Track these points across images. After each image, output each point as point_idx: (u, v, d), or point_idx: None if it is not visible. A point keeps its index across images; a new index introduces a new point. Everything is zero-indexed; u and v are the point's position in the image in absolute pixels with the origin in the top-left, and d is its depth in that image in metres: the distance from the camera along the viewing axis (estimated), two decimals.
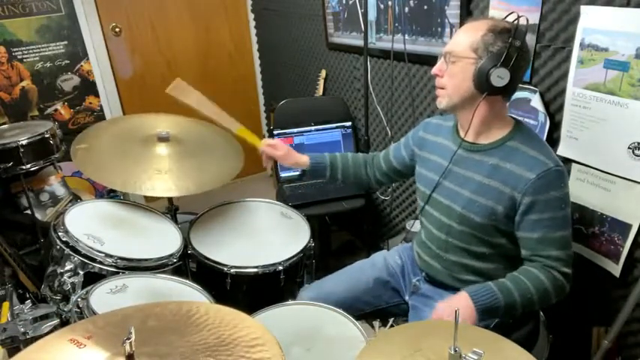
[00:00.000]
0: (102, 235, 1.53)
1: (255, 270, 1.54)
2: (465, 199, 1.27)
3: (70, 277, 1.41)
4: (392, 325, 1.68)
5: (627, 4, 1.26)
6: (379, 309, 1.51)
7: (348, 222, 2.83)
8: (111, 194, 3.06)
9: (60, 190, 2.47)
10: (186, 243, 1.64)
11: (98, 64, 3.01)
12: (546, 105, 1.54)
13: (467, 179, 1.28)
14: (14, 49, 2.74)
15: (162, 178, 1.63)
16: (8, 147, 2.07)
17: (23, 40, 2.75)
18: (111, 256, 1.46)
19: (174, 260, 1.57)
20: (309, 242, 1.67)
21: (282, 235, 1.73)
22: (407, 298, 1.49)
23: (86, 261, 1.44)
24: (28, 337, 1.27)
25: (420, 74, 2.09)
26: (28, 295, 1.86)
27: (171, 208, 1.90)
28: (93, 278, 1.41)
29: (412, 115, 2.19)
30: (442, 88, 1.26)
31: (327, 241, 2.67)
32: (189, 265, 1.64)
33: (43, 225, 2.24)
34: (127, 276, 1.43)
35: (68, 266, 1.42)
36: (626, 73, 1.27)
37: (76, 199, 2.45)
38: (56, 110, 2.96)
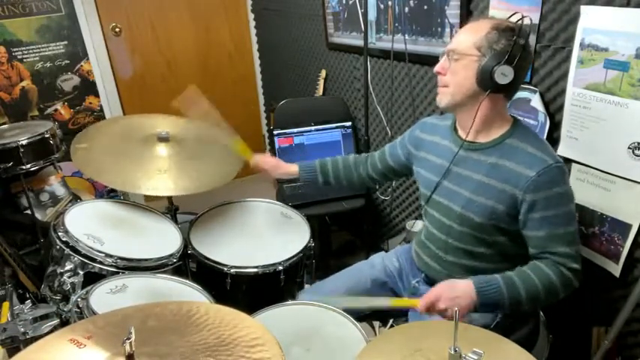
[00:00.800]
0: (102, 235, 1.53)
1: (255, 270, 1.53)
2: (465, 198, 1.26)
3: (70, 277, 1.41)
4: (392, 325, 1.68)
5: (627, 4, 1.26)
6: (378, 310, 1.50)
7: (348, 222, 2.83)
8: (111, 194, 3.06)
9: (60, 190, 2.47)
10: (186, 243, 1.64)
11: (98, 64, 3.01)
12: (546, 105, 1.54)
13: (466, 179, 1.27)
14: (14, 49, 2.75)
15: (162, 178, 1.63)
16: (8, 147, 2.07)
17: (23, 40, 2.75)
18: (111, 256, 1.46)
19: (174, 260, 1.57)
20: (309, 242, 1.67)
21: (282, 235, 1.73)
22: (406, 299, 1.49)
23: (86, 261, 1.43)
24: (28, 337, 1.27)
25: (420, 74, 2.09)
26: (28, 295, 1.86)
27: (171, 208, 1.90)
28: (93, 278, 1.41)
29: (412, 115, 2.19)
30: (445, 86, 1.25)
31: (327, 241, 2.67)
32: (189, 265, 1.64)
33: (43, 225, 2.24)
34: (127, 276, 1.42)
35: (68, 266, 1.42)
36: (626, 73, 1.27)
37: (76, 199, 2.45)
38: (56, 110, 2.96)
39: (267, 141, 3.75)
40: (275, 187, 2.71)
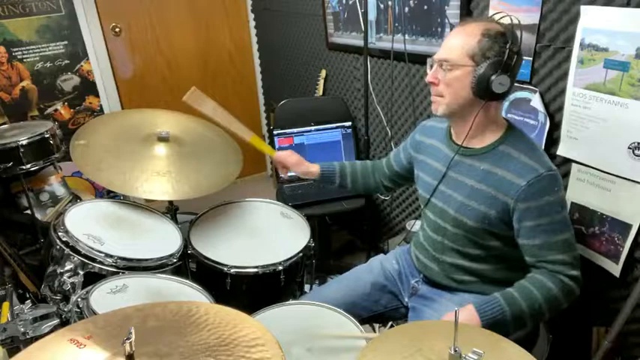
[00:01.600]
0: (102, 235, 1.53)
1: (255, 270, 1.53)
2: (458, 202, 1.27)
3: (70, 277, 1.41)
4: (392, 325, 1.68)
5: (627, 4, 1.25)
6: (377, 314, 1.51)
7: (348, 222, 2.83)
8: (111, 194, 3.05)
9: (60, 190, 2.47)
10: (186, 243, 1.64)
11: (98, 64, 3.01)
12: (546, 105, 1.54)
13: (459, 183, 1.28)
14: (14, 49, 2.75)
15: (161, 181, 1.63)
16: (8, 147, 2.07)
17: (23, 40, 2.75)
18: (111, 256, 1.46)
19: (174, 260, 1.57)
20: (309, 242, 1.67)
21: (282, 235, 1.73)
22: (406, 300, 1.49)
23: (86, 261, 1.43)
24: (28, 337, 1.27)
25: (420, 74, 2.09)
26: (28, 295, 1.86)
27: (171, 208, 1.90)
28: (93, 278, 1.41)
29: (412, 115, 2.19)
30: (440, 96, 1.23)
31: (327, 241, 2.67)
32: (189, 265, 1.64)
33: (43, 225, 2.24)
34: (127, 276, 1.42)
35: (68, 266, 1.42)
36: (626, 73, 1.27)
37: (76, 199, 2.46)
38: (56, 110, 2.96)
39: (267, 141, 3.75)
40: (275, 187, 2.71)
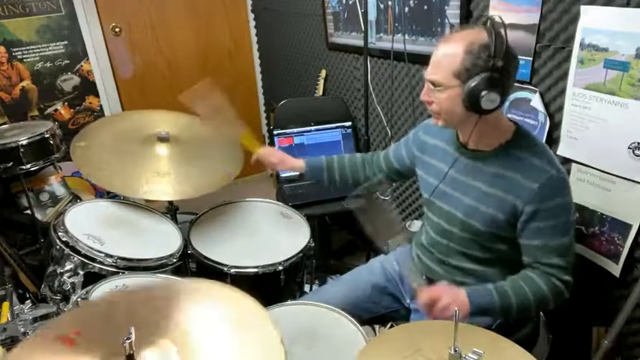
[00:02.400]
0: (102, 235, 1.53)
1: (255, 270, 1.53)
2: (466, 206, 1.26)
3: (70, 277, 1.41)
4: (392, 325, 1.68)
5: (627, 4, 1.25)
6: (378, 316, 1.50)
7: (348, 222, 2.83)
8: (111, 194, 3.05)
9: (60, 190, 2.47)
10: (186, 243, 1.64)
11: (98, 64, 3.01)
12: (546, 105, 1.54)
13: (468, 186, 1.26)
14: (14, 49, 2.74)
15: (161, 182, 1.62)
16: (8, 147, 2.07)
17: (23, 40, 2.75)
18: (111, 256, 1.46)
19: (174, 260, 1.57)
20: (309, 242, 1.67)
21: (282, 235, 1.73)
22: (408, 301, 1.49)
23: (86, 261, 1.44)
24: (28, 337, 1.27)
25: (420, 74, 2.09)
26: (28, 295, 1.86)
27: (171, 208, 1.90)
28: (93, 278, 1.41)
29: (412, 115, 2.19)
30: (436, 113, 1.23)
31: (327, 241, 2.67)
32: (189, 265, 1.64)
33: (43, 225, 2.24)
34: (127, 276, 1.42)
35: (68, 266, 1.42)
36: (626, 73, 1.27)
37: (76, 199, 2.46)
38: (56, 110, 2.96)
39: (267, 141, 3.75)
40: (275, 187, 2.71)
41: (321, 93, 2.80)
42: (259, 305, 0.94)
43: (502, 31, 1.09)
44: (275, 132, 2.49)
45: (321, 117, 2.53)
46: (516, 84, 1.59)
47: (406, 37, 2.06)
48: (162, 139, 1.75)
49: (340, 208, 2.33)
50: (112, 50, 3.08)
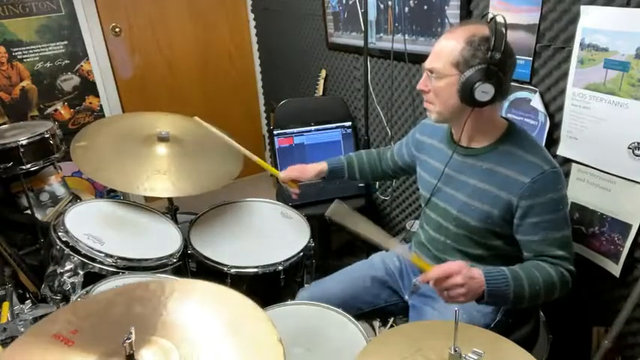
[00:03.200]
0: (102, 235, 1.53)
1: (255, 270, 1.54)
2: (461, 202, 1.27)
3: (70, 277, 1.41)
4: (392, 325, 1.68)
5: (627, 4, 1.25)
6: (378, 308, 1.51)
7: None
8: (111, 194, 3.06)
9: (60, 190, 2.47)
10: (186, 243, 1.64)
11: (98, 64, 3.01)
12: (546, 105, 1.54)
13: (462, 183, 1.28)
14: (14, 49, 2.75)
15: (162, 179, 1.63)
16: (8, 147, 2.07)
17: (23, 40, 2.75)
18: (111, 256, 1.46)
19: (174, 260, 1.57)
20: (309, 242, 1.67)
21: (282, 235, 1.73)
22: (406, 297, 1.49)
23: (86, 261, 1.44)
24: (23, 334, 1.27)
25: (420, 74, 2.08)
26: (28, 295, 1.86)
27: (171, 208, 1.90)
28: (93, 278, 1.41)
29: (412, 115, 2.19)
30: (431, 104, 1.25)
31: (327, 241, 2.67)
32: (189, 265, 1.64)
33: (43, 225, 2.24)
34: (127, 276, 1.42)
35: (68, 266, 1.42)
36: (626, 73, 1.27)
37: (76, 199, 2.45)
38: (56, 110, 2.96)
39: (267, 141, 3.75)
40: (275, 187, 2.71)
41: (321, 93, 2.80)
42: (257, 305, 0.94)
43: (503, 28, 1.11)
44: (275, 132, 2.49)
45: (321, 117, 2.53)
46: (516, 84, 1.59)
47: (406, 37, 2.06)
48: (163, 139, 1.75)
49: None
50: (112, 50, 3.08)
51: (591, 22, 1.33)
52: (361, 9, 2.24)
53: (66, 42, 2.87)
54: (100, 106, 3.09)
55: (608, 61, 1.31)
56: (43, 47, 2.81)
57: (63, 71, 2.91)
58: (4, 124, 2.62)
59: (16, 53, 2.76)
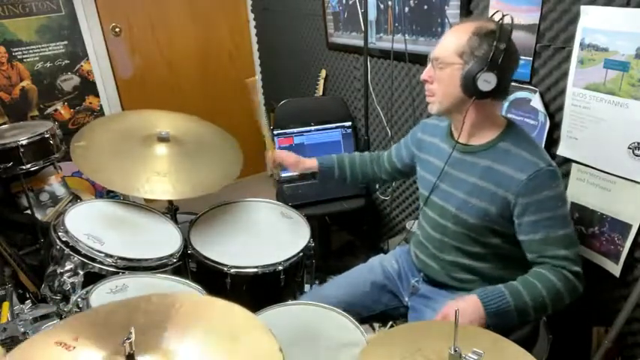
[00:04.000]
0: (102, 235, 1.53)
1: (255, 270, 1.53)
2: (459, 200, 1.28)
3: (70, 277, 1.41)
4: (392, 326, 1.68)
5: (627, 4, 1.25)
6: (378, 313, 1.51)
7: (348, 222, 2.83)
8: (111, 194, 3.05)
9: (60, 190, 2.47)
10: (186, 243, 1.63)
11: (98, 64, 3.01)
12: (546, 105, 1.54)
13: (460, 181, 1.28)
14: (14, 49, 2.74)
15: (161, 181, 1.62)
16: (8, 147, 2.07)
17: (23, 40, 2.75)
18: (111, 256, 1.46)
19: (174, 260, 1.57)
20: (309, 242, 1.67)
21: (282, 235, 1.73)
22: (406, 299, 1.49)
23: (86, 261, 1.43)
24: (28, 337, 1.27)
25: (420, 74, 2.08)
26: (28, 295, 1.86)
27: (171, 208, 1.90)
28: (93, 278, 1.41)
29: (412, 115, 2.19)
30: (432, 95, 1.26)
31: (327, 241, 2.67)
32: (189, 265, 1.64)
33: (43, 225, 2.24)
34: (127, 276, 1.42)
35: (68, 266, 1.42)
36: (626, 73, 1.27)
37: (76, 199, 2.45)
38: (56, 110, 2.96)
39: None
40: (275, 187, 2.71)
41: (321, 93, 2.80)
42: (255, 317, 0.94)
43: (509, 27, 1.15)
44: (275, 132, 2.49)
45: (321, 117, 2.53)
46: (516, 84, 1.59)
47: (406, 37, 2.06)
48: (163, 139, 1.75)
49: (340, 208, 2.33)
50: (112, 50, 3.08)
51: (591, 22, 1.33)
52: (361, 9, 2.24)
53: (66, 42, 2.87)
54: (100, 106, 3.09)
55: (608, 61, 1.31)
56: (43, 47, 2.81)
57: (63, 71, 2.91)
58: (4, 124, 2.62)
59: (16, 53, 2.76)
